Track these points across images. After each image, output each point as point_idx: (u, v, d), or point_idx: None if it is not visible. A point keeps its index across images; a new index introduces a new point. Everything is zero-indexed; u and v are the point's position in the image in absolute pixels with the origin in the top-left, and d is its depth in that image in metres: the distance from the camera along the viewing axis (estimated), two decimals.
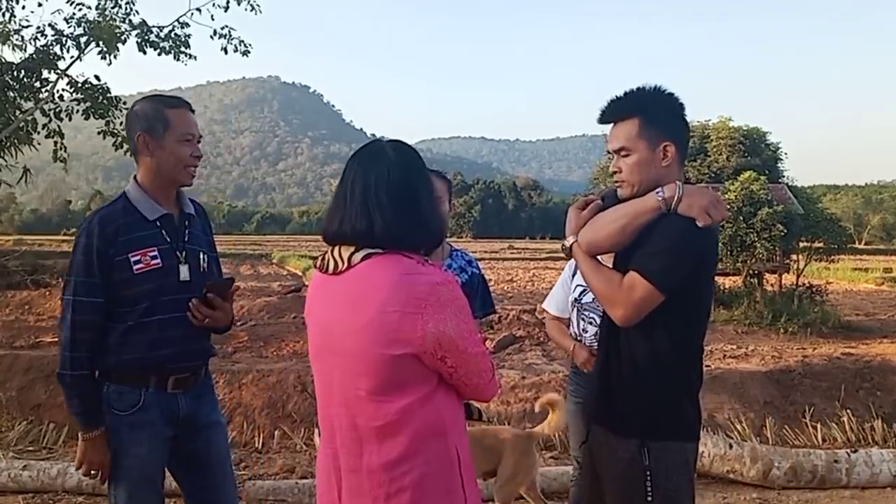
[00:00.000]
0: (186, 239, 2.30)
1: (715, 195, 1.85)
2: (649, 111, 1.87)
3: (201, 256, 2.34)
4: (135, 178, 2.28)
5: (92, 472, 2.20)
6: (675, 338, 1.85)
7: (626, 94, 1.90)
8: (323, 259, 1.58)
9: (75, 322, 2.13)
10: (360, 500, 1.51)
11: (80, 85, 8.60)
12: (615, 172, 1.92)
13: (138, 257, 2.16)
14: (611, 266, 1.91)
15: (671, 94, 1.89)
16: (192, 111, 2.30)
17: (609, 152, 1.96)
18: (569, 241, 1.94)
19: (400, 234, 1.49)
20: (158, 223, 2.23)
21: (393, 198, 1.49)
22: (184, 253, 2.27)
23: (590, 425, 2.06)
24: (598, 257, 1.93)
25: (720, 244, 10.06)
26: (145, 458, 2.19)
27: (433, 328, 1.43)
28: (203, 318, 2.24)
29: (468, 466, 1.56)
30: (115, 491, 2.20)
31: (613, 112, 1.91)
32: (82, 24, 8.33)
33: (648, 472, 1.82)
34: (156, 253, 2.19)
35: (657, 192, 1.80)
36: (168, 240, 2.24)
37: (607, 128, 1.94)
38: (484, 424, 5.11)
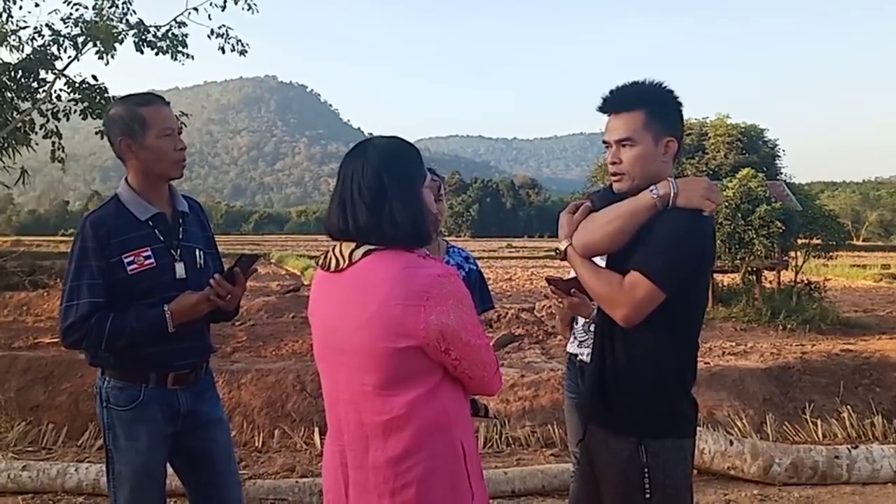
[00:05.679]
0: (181, 237, 2.29)
1: (706, 180, 1.85)
2: (654, 105, 1.86)
3: (197, 253, 2.33)
4: (125, 179, 2.27)
5: (220, 300, 2.21)
6: (672, 335, 1.84)
7: (629, 85, 1.89)
8: (325, 257, 1.60)
9: (78, 319, 2.10)
10: (366, 496, 1.51)
11: (77, 85, 8.59)
12: (613, 163, 1.88)
13: (131, 258, 2.16)
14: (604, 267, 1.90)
15: (672, 91, 1.89)
16: (167, 104, 2.28)
17: (606, 142, 1.92)
18: (563, 244, 1.92)
19: (369, 230, 1.50)
20: (151, 223, 2.22)
21: (362, 194, 1.51)
22: (178, 251, 2.26)
23: (586, 424, 2.06)
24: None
25: (718, 241, 10.06)
26: (146, 454, 2.18)
27: (436, 320, 1.44)
28: (225, 295, 2.22)
29: (474, 461, 1.56)
30: (116, 488, 2.19)
31: (618, 101, 1.89)
32: (79, 25, 8.32)
33: (647, 470, 1.81)
34: (149, 253, 2.18)
35: (651, 191, 1.78)
36: (161, 239, 2.23)
37: (605, 125, 1.92)
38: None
